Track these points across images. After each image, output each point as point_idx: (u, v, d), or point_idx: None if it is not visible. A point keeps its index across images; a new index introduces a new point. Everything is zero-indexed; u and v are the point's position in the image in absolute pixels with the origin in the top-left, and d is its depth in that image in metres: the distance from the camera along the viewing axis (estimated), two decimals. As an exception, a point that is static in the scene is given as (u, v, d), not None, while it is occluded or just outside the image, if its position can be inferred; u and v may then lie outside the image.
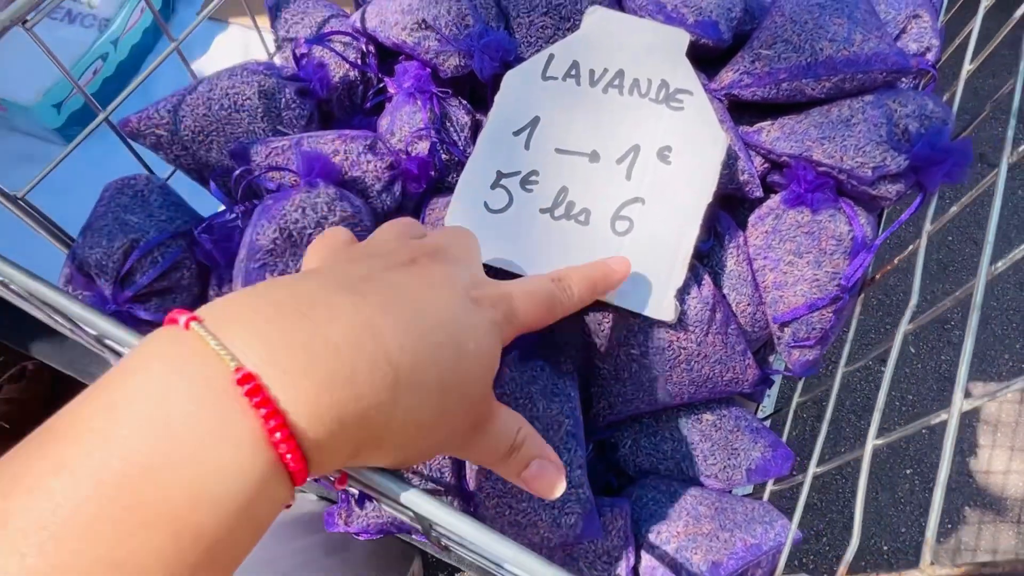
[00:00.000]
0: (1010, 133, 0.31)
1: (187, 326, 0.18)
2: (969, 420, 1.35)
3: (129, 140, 0.44)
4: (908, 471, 1.31)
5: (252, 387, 0.17)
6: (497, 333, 0.25)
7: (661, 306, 0.39)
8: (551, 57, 0.43)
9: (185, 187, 0.48)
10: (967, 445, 1.32)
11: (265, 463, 0.17)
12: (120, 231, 0.41)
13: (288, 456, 0.17)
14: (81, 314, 0.28)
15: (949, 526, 1.26)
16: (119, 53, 0.66)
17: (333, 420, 0.18)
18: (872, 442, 0.31)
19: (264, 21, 0.55)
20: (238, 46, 0.67)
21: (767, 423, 0.52)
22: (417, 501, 0.25)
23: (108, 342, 0.35)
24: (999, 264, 0.28)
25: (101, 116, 0.41)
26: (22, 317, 0.39)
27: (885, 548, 1.24)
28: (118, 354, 0.38)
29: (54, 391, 1.12)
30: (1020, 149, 0.30)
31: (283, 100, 0.46)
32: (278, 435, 0.17)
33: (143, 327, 0.41)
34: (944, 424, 0.27)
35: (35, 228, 0.40)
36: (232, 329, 0.18)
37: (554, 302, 0.29)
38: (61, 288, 0.41)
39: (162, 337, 0.18)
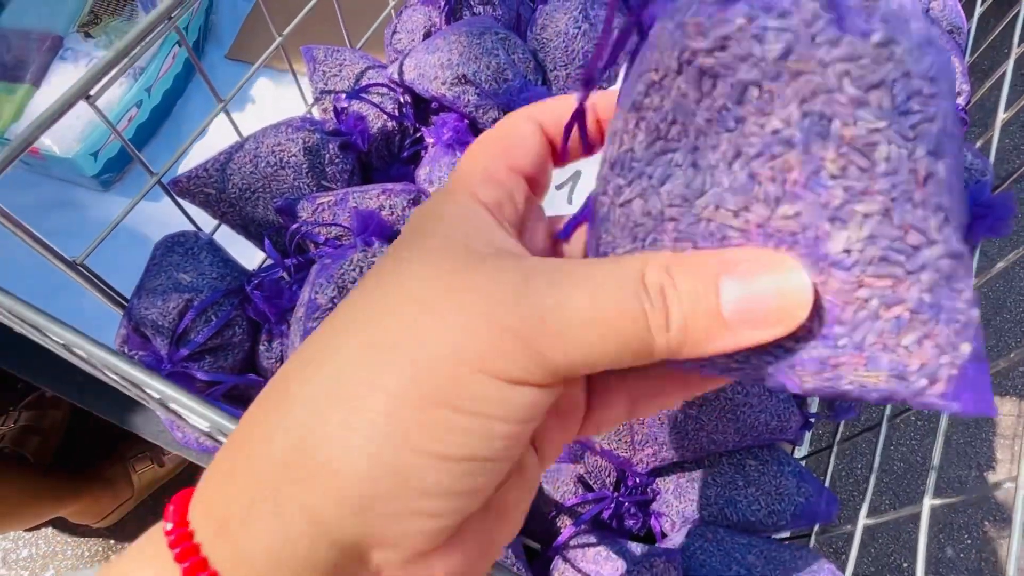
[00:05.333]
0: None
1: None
2: (987, 434, 1.34)
3: (178, 198, 0.45)
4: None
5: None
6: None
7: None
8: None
9: (222, 238, 0.48)
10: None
11: None
12: (174, 291, 0.41)
13: None
14: (149, 382, 0.29)
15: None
16: (153, 99, 0.67)
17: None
18: (929, 501, 0.31)
19: (300, 66, 0.56)
20: (268, 92, 0.68)
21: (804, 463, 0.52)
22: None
23: (172, 406, 0.36)
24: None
25: (154, 179, 0.42)
26: (36, 352, 0.38)
27: None
28: (177, 415, 0.39)
29: (73, 417, 1.13)
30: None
31: (327, 156, 0.47)
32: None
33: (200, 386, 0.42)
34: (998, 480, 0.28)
35: (91, 291, 0.40)
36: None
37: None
38: (118, 348, 0.42)
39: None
